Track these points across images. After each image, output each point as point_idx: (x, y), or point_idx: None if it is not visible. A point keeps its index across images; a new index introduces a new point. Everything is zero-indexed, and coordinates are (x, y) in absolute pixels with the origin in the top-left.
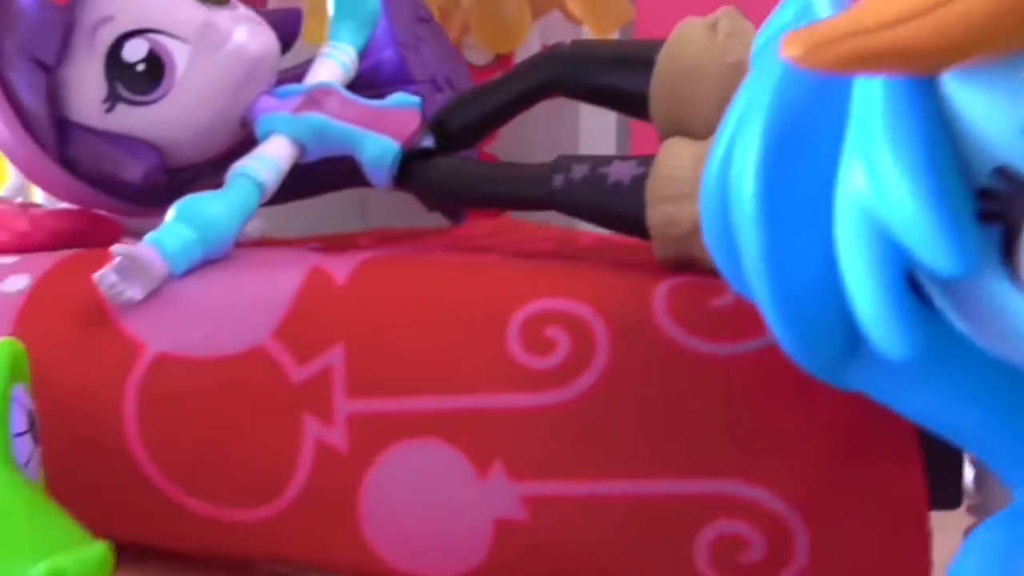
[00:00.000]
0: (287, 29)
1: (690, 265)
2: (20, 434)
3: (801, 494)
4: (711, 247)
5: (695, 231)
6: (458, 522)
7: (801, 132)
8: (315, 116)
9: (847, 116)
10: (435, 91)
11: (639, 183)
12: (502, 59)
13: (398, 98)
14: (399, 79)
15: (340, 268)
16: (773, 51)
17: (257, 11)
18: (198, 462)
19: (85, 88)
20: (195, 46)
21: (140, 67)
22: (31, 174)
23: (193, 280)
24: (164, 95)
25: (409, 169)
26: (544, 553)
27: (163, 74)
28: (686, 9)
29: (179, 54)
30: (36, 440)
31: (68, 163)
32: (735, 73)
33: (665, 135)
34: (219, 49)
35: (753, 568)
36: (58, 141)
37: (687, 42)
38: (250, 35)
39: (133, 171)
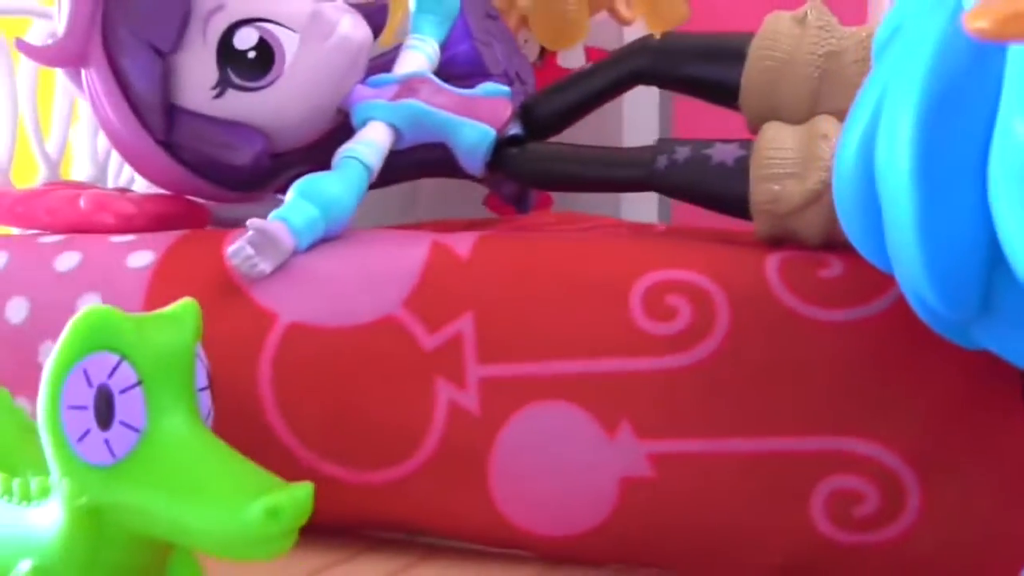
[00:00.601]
0: (376, 22)
1: (787, 240)
2: (202, 389)
3: (914, 450)
4: (844, 219)
5: (798, 208)
6: (584, 481)
7: (954, 102)
8: (413, 103)
9: (1000, 82)
10: (508, 84)
11: (743, 164)
12: (547, 57)
13: (488, 87)
14: (475, 72)
15: (460, 243)
16: (913, 33)
17: (349, 3)
18: (332, 427)
19: (196, 74)
20: (303, 35)
21: (251, 54)
22: (133, 158)
23: (319, 254)
24: (273, 82)
25: (503, 154)
26: (667, 508)
27: (273, 61)
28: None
29: (288, 42)
30: (212, 396)
31: (172, 148)
32: (827, 63)
33: (755, 123)
34: (327, 38)
35: (866, 520)
36: (165, 126)
37: (778, 35)
38: (353, 25)
39: (242, 155)
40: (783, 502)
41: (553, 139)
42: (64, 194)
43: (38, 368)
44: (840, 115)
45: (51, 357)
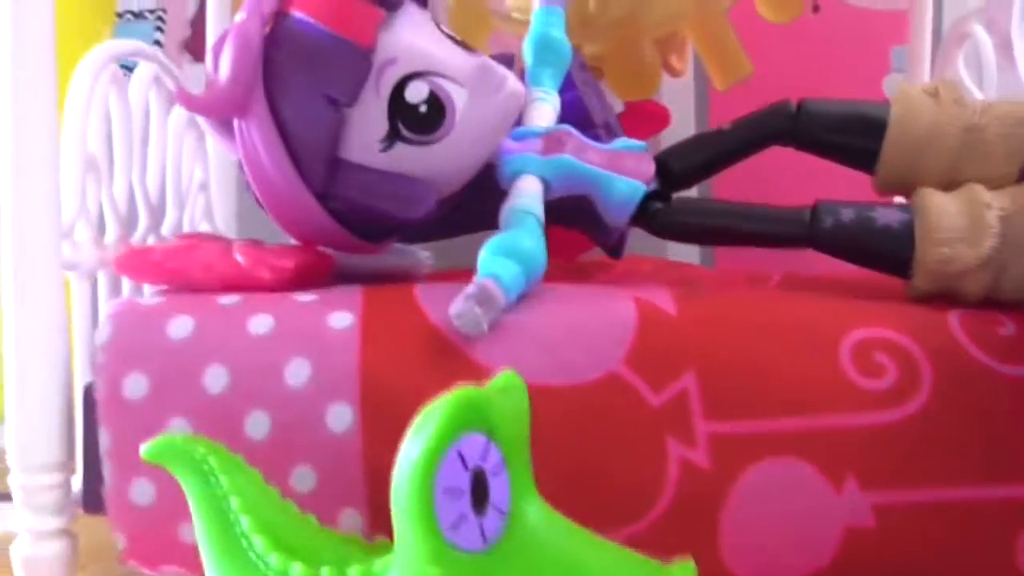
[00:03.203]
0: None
1: (942, 296)
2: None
3: None
4: None
5: (971, 270)
6: (809, 531)
7: None
8: (564, 158)
9: None
10: (608, 134)
11: (908, 227)
12: None
13: (626, 142)
14: (581, 121)
15: (661, 299)
16: None
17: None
18: (570, 486)
19: (366, 126)
20: (472, 89)
21: (422, 108)
22: (280, 207)
23: (527, 311)
24: (444, 136)
25: (647, 208)
26: (885, 555)
27: (444, 116)
28: None
29: (458, 97)
30: None
31: (326, 199)
32: (966, 135)
33: (887, 188)
34: (496, 93)
35: None
36: (327, 178)
37: (917, 110)
38: (515, 79)
39: (418, 208)
40: (990, 547)
41: None
42: (216, 247)
43: (246, 440)
44: (980, 181)
45: (417, 440)
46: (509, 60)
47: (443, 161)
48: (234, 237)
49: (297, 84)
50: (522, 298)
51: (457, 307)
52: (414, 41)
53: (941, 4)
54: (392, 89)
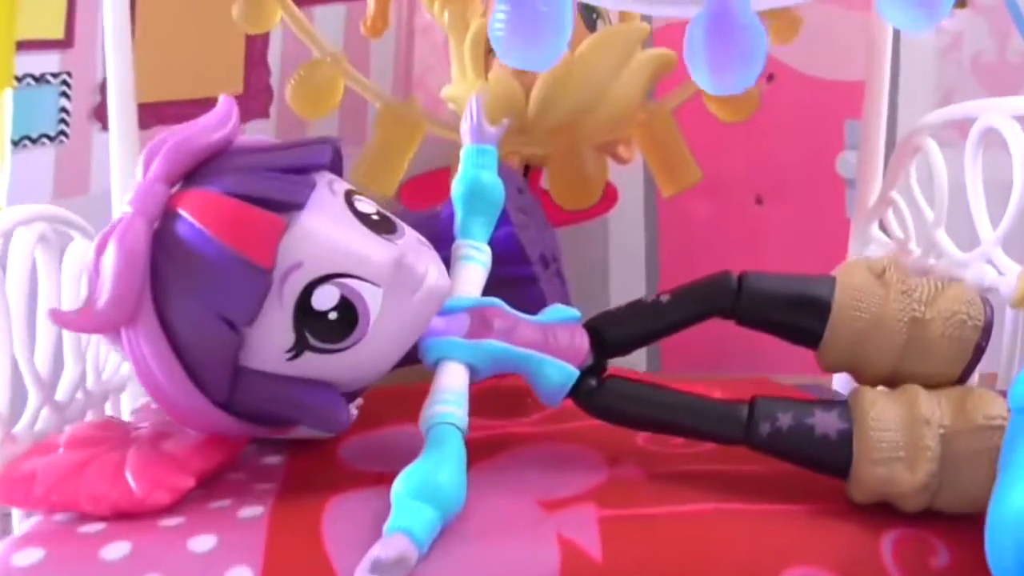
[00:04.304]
0: (433, 230)
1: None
2: None
3: None
4: (999, 562)
5: (908, 493)
6: None
7: None
8: (492, 344)
9: None
10: (544, 267)
11: (846, 438)
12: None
13: (559, 312)
14: (515, 259)
15: (585, 535)
16: None
17: (405, 217)
18: None
19: (270, 338)
20: (388, 288)
21: (332, 315)
22: (178, 413)
23: (441, 563)
24: (357, 342)
25: (581, 385)
26: None
27: (356, 322)
28: None
29: (372, 299)
30: None
31: (229, 405)
32: (912, 329)
33: (831, 368)
34: (414, 292)
35: None
36: (229, 388)
37: (862, 293)
38: (439, 273)
39: (325, 425)
40: None
41: None
42: (109, 462)
43: None
44: (920, 377)
45: None
46: (435, 218)
47: (356, 365)
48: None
49: (188, 303)
50: (438, 540)
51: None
52: (323, 239)
53: (898, 75)
54: (299, 296)
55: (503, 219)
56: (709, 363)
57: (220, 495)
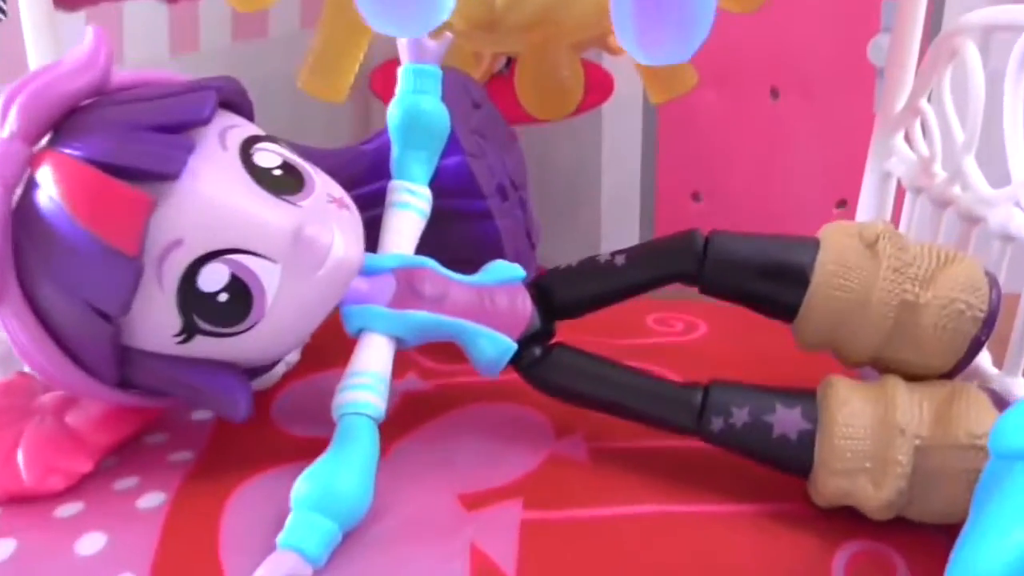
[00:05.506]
0: (351, 170)
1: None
2: None
3: None
4: None
5: (872, 509)
6: None
7: None
8: (418, 315)
9: None
10: (503, 199)
11: (807, 440)
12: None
13: (498, 271)
14: (466, 192)
15: (503, 546)
16: None
17: (323, 158)
18: None
19: (154, 322)
20: (286, 264)
21: (222, 297)
22: (64, 388)
23: (335, 571)
24: (254, 324)
25: (523, 355)
26: None
27: (251, 304)
28: None
29: (268, 277)
30: None
31: (124, 384)
32: (901, 313)
33: (808, 347)
34: (316, 268)
35: None
36: (116, 372)
37: (848, 266)
38: (346, 243)
39: (228, 412)
40: None
41: None
42: (3, 442)
43: None
44: (907, 365)
45: None
46: (359, 156)
47: (259, 347)
48: None
49: (52, 288)
50: (339, 547)
51: None
52: (205, 210)
53: None
54: (181, 277)
55: (453, 145)
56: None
57: (128, 470)
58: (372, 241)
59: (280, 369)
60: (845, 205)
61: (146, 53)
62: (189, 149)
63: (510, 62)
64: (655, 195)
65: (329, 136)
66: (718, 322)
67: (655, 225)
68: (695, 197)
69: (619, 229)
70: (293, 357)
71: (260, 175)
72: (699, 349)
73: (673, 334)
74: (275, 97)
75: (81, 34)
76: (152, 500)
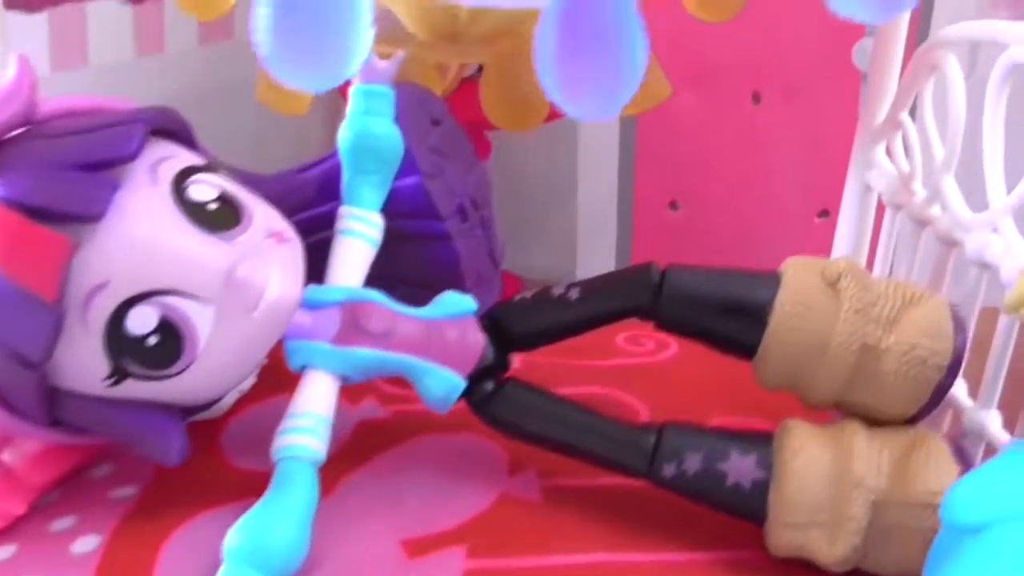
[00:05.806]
0: (296, 198)
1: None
2: None
3: None
4: None
5: (826, 564)
6: None
7: None
8: (363, 352)
9: None
10: (463, 221)
11: (762, 490)
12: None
13: (449, 304)
14: (423, 213)
15: None
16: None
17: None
18: None
19: (81, 366)
20: (219, 306)
21: (152, 340)
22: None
23: None
24: (185, 368)
25: (475, 389)
26: None
27: (182, 347)
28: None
29: (200, 319)
30: None
31: (55, 423)
32: (861, 358)
33: (768, 387)
34: (250, 310)
35: None
36: (46, 413)
37: (809, 307)
38: (283, 282)
39: (161, 456)
40: None
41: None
42: None
43: None
44: (868, 410)
45: None
46: (303, 186)
47: (192, 388)
48: None
49: None
50: None
51: None
52: (130, 251)
53: None
54: (108, 321)
55: (409, 165)
56: None
57: (67, 507)
58: (322, 263)
59: (231, 398)
60: (827, 215)
61: (111, 55)
62: (114, 187)
63: (482, 67)
64: (632, 203)
65: (299, 140)
66: (689, 342)
67: (632, 234)
68: (673, 206)
69: (595, 238)
70: (247, 383)
71: (193, 210)
72: (667, 372)
73: (643, 354)
74: (242, 100)
75: (37, 36)
76: (87, 544)
